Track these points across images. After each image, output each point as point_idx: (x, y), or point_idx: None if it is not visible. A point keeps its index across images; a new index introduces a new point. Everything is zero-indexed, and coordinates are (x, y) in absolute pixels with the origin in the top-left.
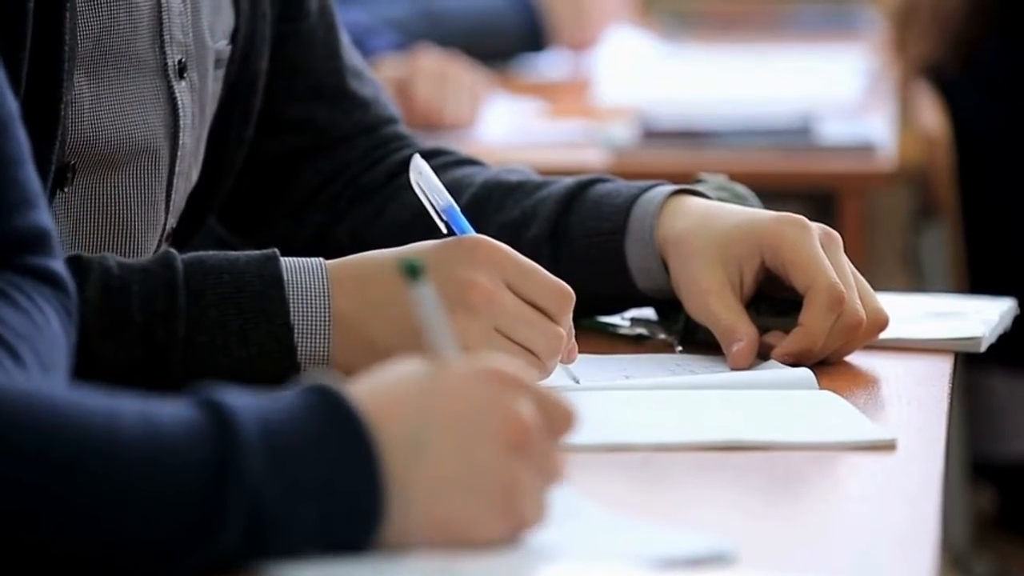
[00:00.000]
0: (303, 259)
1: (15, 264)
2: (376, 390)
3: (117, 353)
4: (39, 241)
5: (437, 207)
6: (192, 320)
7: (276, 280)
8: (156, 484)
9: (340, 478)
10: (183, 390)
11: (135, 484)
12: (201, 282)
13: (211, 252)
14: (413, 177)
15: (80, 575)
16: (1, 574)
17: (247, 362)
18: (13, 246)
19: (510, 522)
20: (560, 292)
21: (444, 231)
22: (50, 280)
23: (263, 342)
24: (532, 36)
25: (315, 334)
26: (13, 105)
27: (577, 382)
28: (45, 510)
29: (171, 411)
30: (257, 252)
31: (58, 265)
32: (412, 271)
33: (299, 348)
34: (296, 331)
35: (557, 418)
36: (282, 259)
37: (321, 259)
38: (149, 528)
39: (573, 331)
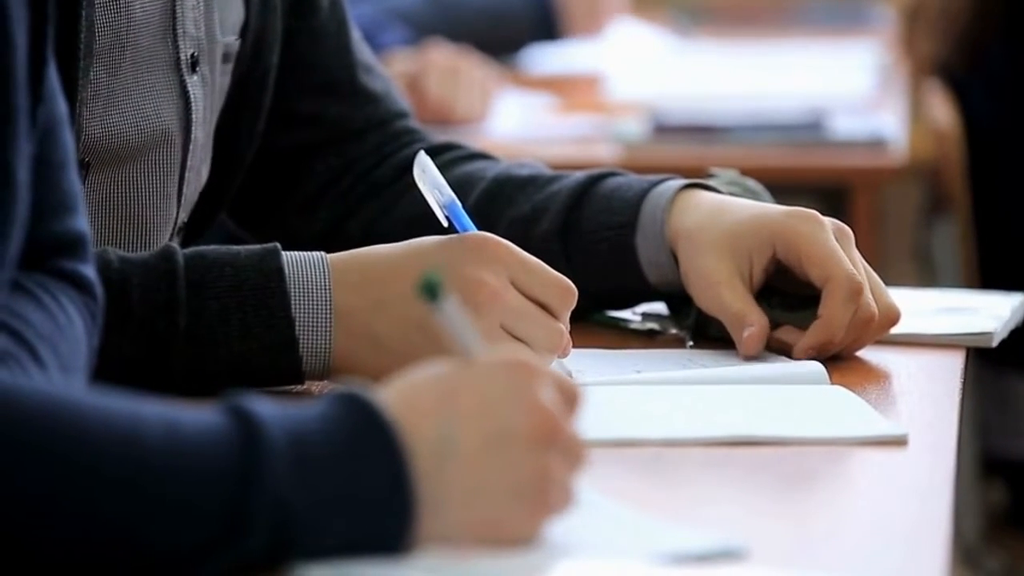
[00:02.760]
0: (305, 253)
1: (46, 266)
2: (400, 394)
3: (118, 346)
4: (73, 246)
5: (440, 203)
6: (193, 313)
7: (277, 273)
8: (179, 491)
9: (369, 488)
10: (184, 384)
11: (157, 491)
12: (202, 275)
13: (212, 246)
14: (417, 173)
15: None
16: None
17: (248, 355)
18: (48, 249)
19: (543, 516)
20: (562, 288)
21: (447, 226)
22: (78, 283)
23: (264, 335)
24: (544, 26)
25: (316, 327)
26: (63, 109)
27: (570, 376)
28: (66, 516)
29: (196, 418)
30: (258, 246)
31: (88, 270)
32: (431, 291)
33: (300, 341)
34: (297, 324)
35: (570, 398)
36: (284, 253)
37: (323, 253)
38: (171, 536)
39: (568, 326)
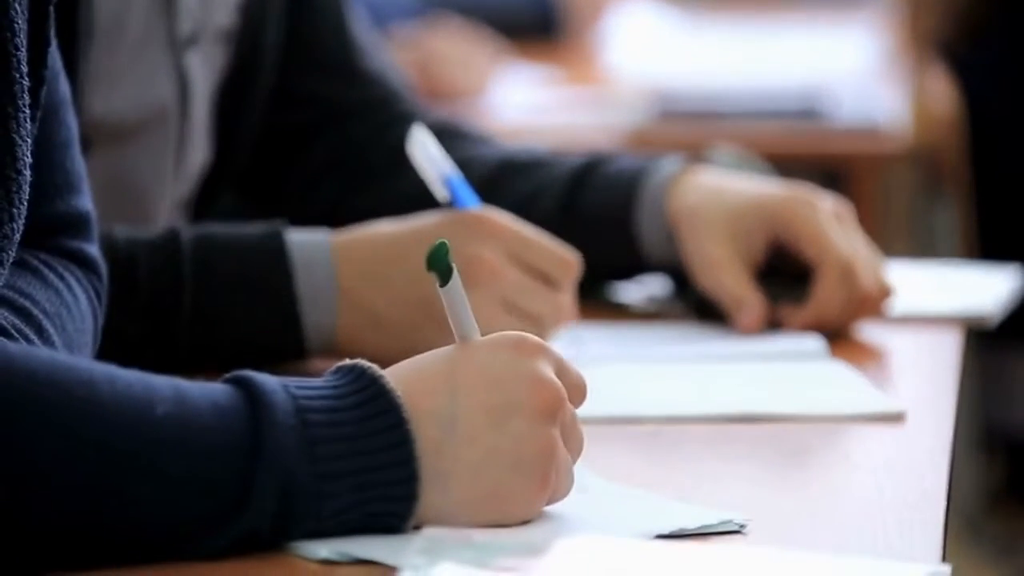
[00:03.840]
0: (308, 231)
1: (51, 245)
2: (407, 372)
3: (123, 325)
4: (78, 225)
5: (439, 176)
6: (197, 292)
7: (280, 252)
8: (187, 462)
9: (374, 460)
10: (188, 362)
11: (166, 462)
12: (206, 254)
13: (218, 225)
14: (412, 147)
15: (108, 553)
16: (30, 551)
17: (252, 333)
18: (52, 228)
19: (546, 491)
20: (563, 260)
21: (443, 201)
22: (83, 262)
23: (267, 314)
24: (543, 21)
25: (320, 306)
26: (65, 89)
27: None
28: (75, 487)
29: (204, 390)
30: (262, 225)
31: (93, 249)
32: (439, 265)
33: (304, 320)
34: (301, 303)
35: (572, 388)
36: (287, 231)
37: (326, 230)
38: (179, 506)
39: (574, 297)
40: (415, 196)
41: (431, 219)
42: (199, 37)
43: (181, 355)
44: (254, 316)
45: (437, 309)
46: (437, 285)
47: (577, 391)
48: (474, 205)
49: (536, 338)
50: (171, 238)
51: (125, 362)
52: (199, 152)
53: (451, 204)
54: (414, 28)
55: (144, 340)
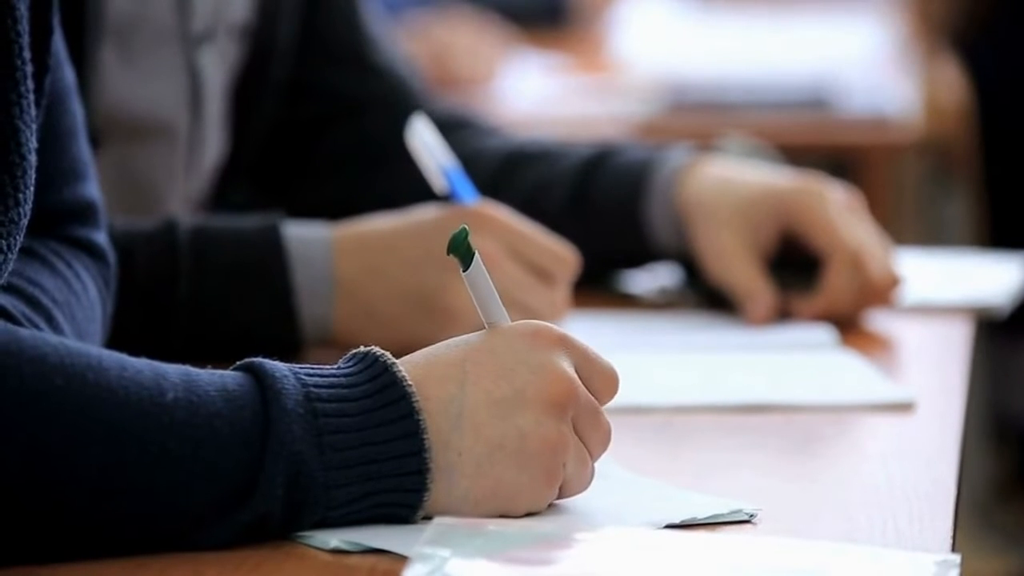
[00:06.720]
0: (307, 223)
1: (59, 233)
2: (419, 358)
3: (120, 316)
4: (85, 213)
5: (438, 168)
6: (194, 284)
7: (277, 245)
8: (196, 447)
9: (384, 450)
10: (184, 353)
11: (175, 447)
12: (203, 246)
13: (216, 217)
14: (412, 138)
15: (116, 539)
16: (38, 537)
17: (248, 325)
18: (59, 216)
19: (553, 487)
20: (561, 256)
21: (441, 193)
22: (91, 250)
23: (264, 306)
24: (554, 13)
25: (317, 298)
26: (70, 78)
27: None
28: (85, 472)
29: (214, 376)
30: (261, 216)
31: (100, 237)
32: (459, 250)
33: (301, 312)
34: (298, 295)
35: (601, 381)
36: (286, 223)
37: (324, 224)
38: (187, 491)
39: (567, 294)
40: (427, 190)
41: (429, 213)
42: (213, 34)
43: (177, 346)
44: (251, 307)
45: (434, 302)
46: (460, 270)
47: (607, 382)
48: (472, 198)
49: (557, 328)
50: (168, 229)
51: (122, 352)
52: (213, 148)
53: (449, 197)
54: (425, 17)
55: (141, 331)
